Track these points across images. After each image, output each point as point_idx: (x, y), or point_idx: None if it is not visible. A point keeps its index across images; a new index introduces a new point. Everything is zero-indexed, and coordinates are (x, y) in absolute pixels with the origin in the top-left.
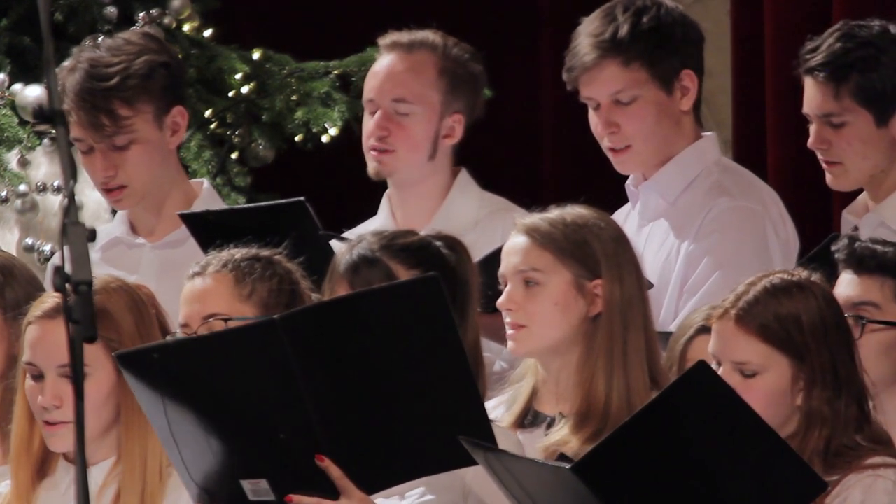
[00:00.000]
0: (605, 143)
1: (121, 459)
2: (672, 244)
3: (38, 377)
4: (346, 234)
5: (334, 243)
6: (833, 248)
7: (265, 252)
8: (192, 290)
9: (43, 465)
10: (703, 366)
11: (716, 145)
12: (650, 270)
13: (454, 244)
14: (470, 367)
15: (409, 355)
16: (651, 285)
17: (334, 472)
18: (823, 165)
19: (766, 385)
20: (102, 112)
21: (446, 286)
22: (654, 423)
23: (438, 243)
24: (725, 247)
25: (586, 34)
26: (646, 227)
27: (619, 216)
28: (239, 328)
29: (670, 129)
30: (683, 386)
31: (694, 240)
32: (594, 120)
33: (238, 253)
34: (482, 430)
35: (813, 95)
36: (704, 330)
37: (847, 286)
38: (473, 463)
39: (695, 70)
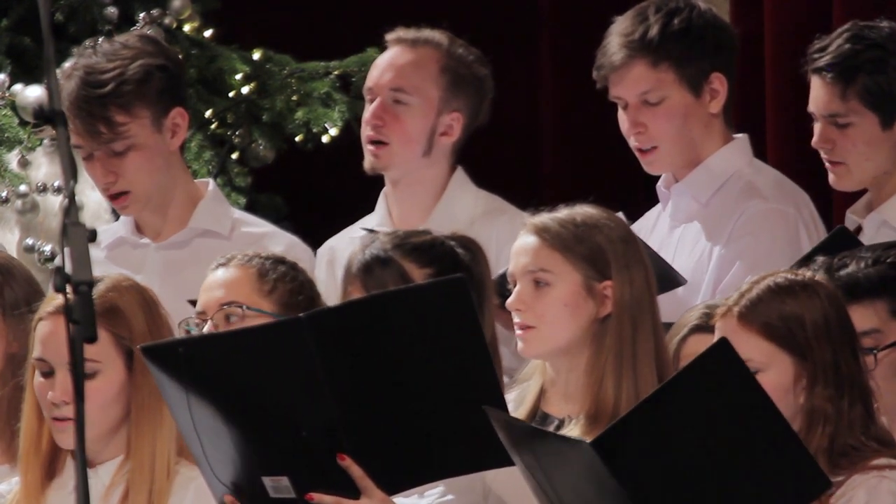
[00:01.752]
0: (632, 143)
1: (130, 457)
2: (704, 246)
3: (48, 374)
4: (343, 232)
5: (343, 241)
6: None
7: (291, 259)
8: (214, 278)
9: (51, 465)
10: (724, 342)
11: (748, 147)
12: (682, 272)
13: (468, 243)
14: (495, 369)
15: (434, 357)
16: (685, 281)
17: (355, 471)
18: (827, 165)
19: (769, 382)
20: (99, 119)
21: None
22: (675, 397)
23: (452, 243)
24: (758, 249)
25: (617, 33)
26: (678, 228)
27: (650, 218)
28: (265, 325)
29: (698, 131)
30: (705, 361)
31: (727, 242)
32: (622, 119)
33: (265, 253)
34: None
35: (819, 95)
36: (698, 329)
37: None
38: (495, 466)
39: (725, 73)
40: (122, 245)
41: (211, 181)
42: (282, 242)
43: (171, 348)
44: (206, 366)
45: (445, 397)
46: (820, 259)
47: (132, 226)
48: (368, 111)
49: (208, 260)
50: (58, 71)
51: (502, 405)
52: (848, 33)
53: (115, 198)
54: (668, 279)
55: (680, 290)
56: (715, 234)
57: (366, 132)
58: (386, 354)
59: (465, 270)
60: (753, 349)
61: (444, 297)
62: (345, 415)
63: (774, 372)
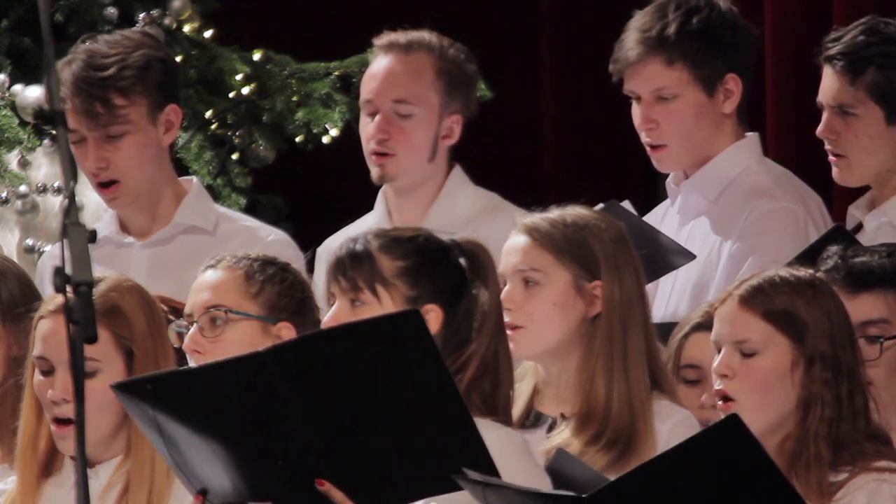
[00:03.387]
0: (643, 138)
1: (130, 457)
2: (713, 243)
3: (48, 372)
4: (340, 231)
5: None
6: (824, 267)
7: (282, 260)
8: (202, 280)
9: (49, 463)
10: (735, 419)
11: (758, 146)
12: (691, 268)
13: (475, 248)
14: (460, 395)
15: (396, 387)
16: (694, 256)
17: (336, 495)
18: (830, 159)
19: (766, 365)
20: (98, 100)
21: (446, 281)
22: (676, 467)
23: (449, 243)
24: (769, 247)
25: (635, 28)
26: (686, 225)
27: (657, 213)
28: (227, 360)
29: (709, 130)
30: (713, 435)
31: (737, 239)
32: (635, 113)
33: (255, 254)
34: (478, 456)
35: (828, 84)
36: (700, 327)
37: (851, 308)
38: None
39: (741, 74)
40: (107, 244)
41: (194, 178)
42: (267, 237)
43: (140, 385)
44: (176, 401)
45: (414, 424)
46: (833, 248)
47: (117, 225)
48: (372, 126)
49: (194, 256)
50: (59, 63)
51: (472, 430)
52: (863, 26)
53: (106, 187)
54: (676, 256)
55: (690, 288)
56: (724, 231)
57: (370, 146)
58: (349, 385)
59: (446, 267)
60: (752, 330)
61: (399, 330)
62: (318, 441)
63: (771, 354)
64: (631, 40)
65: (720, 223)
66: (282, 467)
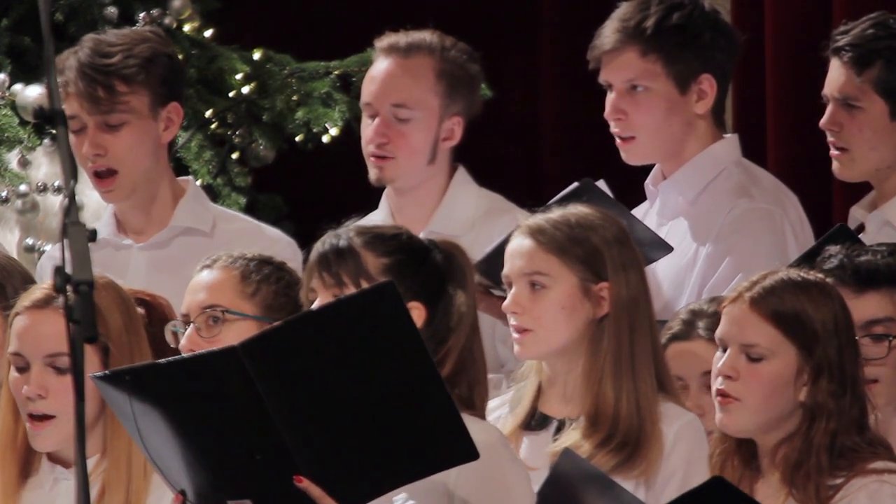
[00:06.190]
0: (612, 128)
1: (106, 455)
2: (690, 244)
3: (24, 369)
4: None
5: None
6: (826, 266)
7: (278, 260)
8: (198, 280)
9: (27, 464)
10: (720, 481)
11: (736, 146)
12: (668, 268)
13: (447, 246)
14: (436, 369)
15: (374, 366)
16: (671, 248)
17: (314, 491)
18: (832, 153)
19: (771, 371)
20: (100, 86)
21: (428, 279)
22: None
23: (426, 242)
24: (745, 249)
25: (616, 17)
26: (665, 225)
27: (637, 214)
28: (201, 354)
29: (680, 128)
30: (700, 495)
31: (714, 240)
32: (607, 103)
33: (251, 254)
34: (456, 433)
35: (835, 76)
36: (676, 338)
37: (856, 307)
38: (450, 465)
39: (717, 76)
40: (105, 247)
41: (191, 178)
42: (266, 237)
43: (119, 377)
44: (153, 394)
45: (393, 405)
46: (834, 248)
47: (115, 227)
48: (371, 129)
49: (191, 258)
50: (66, 52)
51: (449, 406)
52: (873, 20)
53: (102, 178)
54: (657, 247)
55: (665, 288)
56: (702, 232)
57: (368, 149)
58: (327, 370)
59: (428, 263)
60: (761, 335)
61: (375, 304)
62: (295, 436)
63: (778, 361)
64: (609, 29)
65: (698, 224)
66: (259, 463)
